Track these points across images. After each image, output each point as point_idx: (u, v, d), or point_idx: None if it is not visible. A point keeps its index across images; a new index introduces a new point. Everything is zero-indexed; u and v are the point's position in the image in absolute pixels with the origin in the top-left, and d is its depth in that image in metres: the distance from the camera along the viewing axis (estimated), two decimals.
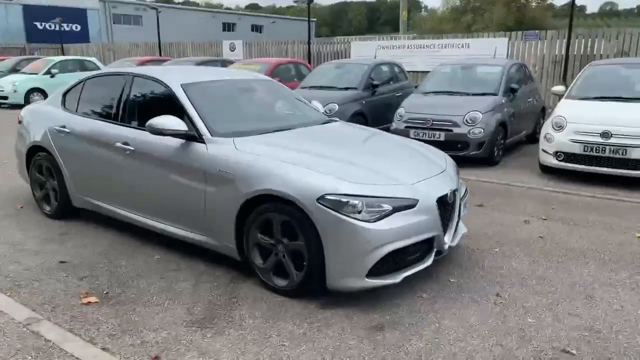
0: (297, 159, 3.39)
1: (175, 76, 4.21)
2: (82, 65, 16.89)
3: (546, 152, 6.61)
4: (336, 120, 4.75)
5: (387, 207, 3.11)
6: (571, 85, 7.32)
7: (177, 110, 3.86)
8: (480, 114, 7.21)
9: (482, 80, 8.24)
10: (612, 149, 6.01)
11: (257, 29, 53.81)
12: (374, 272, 3.09)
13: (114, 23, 42.43)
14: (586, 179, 6.44)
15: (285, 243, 3.29)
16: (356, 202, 3.04)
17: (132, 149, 4.04)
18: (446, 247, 3.51)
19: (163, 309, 3.19)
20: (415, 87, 8.94)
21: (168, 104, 3.98)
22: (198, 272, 3.74)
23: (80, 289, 3.45)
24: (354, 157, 3.60)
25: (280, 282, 3.37)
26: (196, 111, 3.82)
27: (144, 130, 3.97)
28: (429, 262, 3.38)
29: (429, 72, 13.27)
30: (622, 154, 5.96)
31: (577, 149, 6.25)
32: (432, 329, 2.95)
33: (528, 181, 6.58)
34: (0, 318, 3.05)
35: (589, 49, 11.82)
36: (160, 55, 20.91)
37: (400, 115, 7.84)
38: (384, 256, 3.07)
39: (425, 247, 3.36)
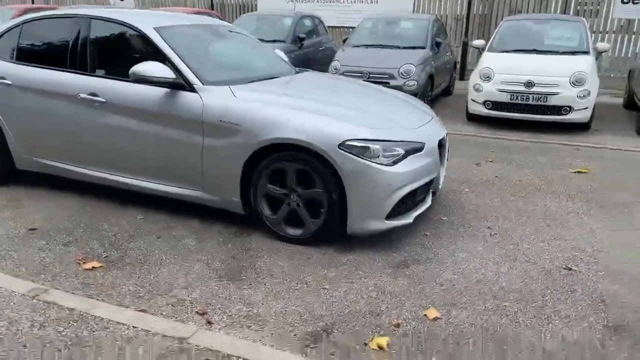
0: (304, 106, 3.33)
1: (145, 19, 3.82)
2: None
3: (475, 101, 7.14)
4: (307, 70, 4.69)
5: (401, 150, 3.21)
6: (491, 39, 7.90)
7: (153, 56, 3.55)
8: (413, 66, 7.52)
9: (411, 34, 8.54)
10: (535, 97, 6.68)
11: None
12: (391, 214, 3.21)
13: None
14: (511, 125, 7.09)
15: (300, 192, 3.26)
16: (376, 146, 3.10)
17: (103, 100, 3.65)
18: (440, 187, 3.74)
19: (180, 267, 3.03)
20: (344, 41, 9.00)
21: (141, 49, 3.67)
22: (194, 228, 3.57)
23: (73, 255, 3.13)
24: (356, 103, 3.62)
25: (294, 232, 3.35)
26: (179, 57, 3.54)
27: (116, 79, 3.64)
28: (429, 202, 3.58)
29: (341, 27, 13.62)
30: (544, 101, 6.65)
31: (504, 98, 6.84)
32: (450, 262, 3.17)
33: (460, 129, 7.08)
34: None
35: (487, 8, 12.72)
36: (33, 3, 18.39)
37: (335, 69, 7.89)
38: (402, 198, 3.20)
39: (426, 188, 3.54)
